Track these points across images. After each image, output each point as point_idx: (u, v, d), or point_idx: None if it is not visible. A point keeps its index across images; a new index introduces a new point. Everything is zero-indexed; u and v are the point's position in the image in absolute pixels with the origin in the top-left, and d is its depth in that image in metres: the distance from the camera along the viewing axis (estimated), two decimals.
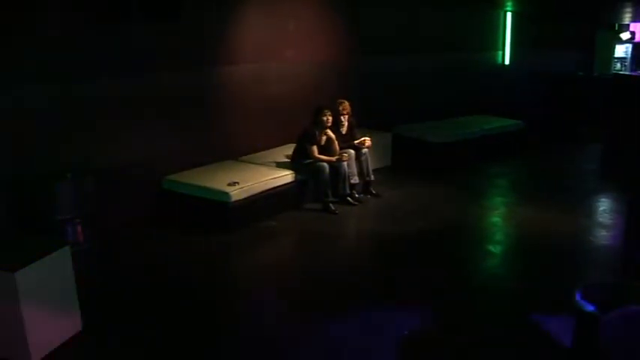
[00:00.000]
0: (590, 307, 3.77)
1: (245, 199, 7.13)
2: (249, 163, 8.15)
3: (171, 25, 7.15)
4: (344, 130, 8.29)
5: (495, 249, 6.84)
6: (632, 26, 13.63)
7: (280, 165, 8.01)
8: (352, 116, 8.30)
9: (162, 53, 7.27)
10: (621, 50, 13.47)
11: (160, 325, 5.06)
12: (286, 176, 7.71)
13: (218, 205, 7.03)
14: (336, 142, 7.98)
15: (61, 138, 6.33)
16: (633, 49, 13.41)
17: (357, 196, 8.13)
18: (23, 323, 4.32)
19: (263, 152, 8.62)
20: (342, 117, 8.19)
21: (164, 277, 6.02)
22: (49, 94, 6.21)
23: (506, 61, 12.69)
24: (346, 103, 8.21)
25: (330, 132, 7.92)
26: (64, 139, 6.36)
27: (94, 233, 5.92)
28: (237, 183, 7.13)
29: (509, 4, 12.29)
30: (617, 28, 13.49)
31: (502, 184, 9.47)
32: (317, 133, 7.80)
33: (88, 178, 5.83)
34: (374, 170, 8.50)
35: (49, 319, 4.57)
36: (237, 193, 7.02)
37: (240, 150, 8.43)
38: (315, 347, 4.76)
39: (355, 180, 8.12)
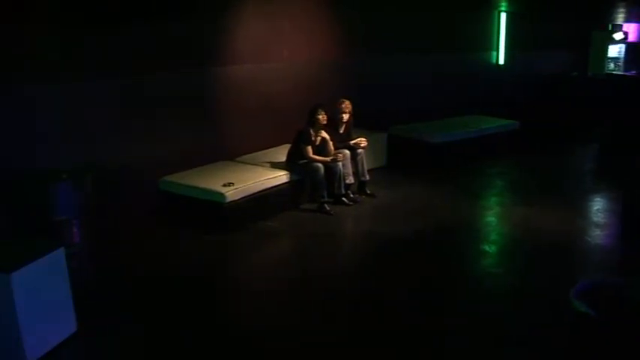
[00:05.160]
0: (584, 307, 3.78)
1: (240, 199, 7.13)
2: (245, 163, 8.14)
3: (170, 25, 7.15)
4: (342, 129, 8.30)
5: (491, 249, 6.85)
6: (625, 26, 13.70)
7: (276, 165, 8.00)
8: (352, 116, 8.30)
9: (160, 53, 7.28)
10: (614, 50, 13.52)
11: (156, 326, 5.06)
12: (281, 177, 7.70)
13: (214, 205, 7.02)
14: (331, 143, 7.98)
15: (57, 138, 6.32)
16: (626, 49, 13.47)
17: (352, 196, 8.13)
18: (18, 324, 4.31)
19: (259, 152, 8.61)
20: (343, 115, 8.17)
21: (160, 277, 6.01)
22: (48, 94, 6.20)
23: (501, 61, 12.70)
24: (347, 102, 8.18)
25: (324, 132, 7.92)
26: (61, 139, 6.36)
27: (91, 234, 5.90)
28: (233, 184, 7.13)
29: (503, 4, 12.31)
30: (610, 29, 13.55)
31: (497, 184, 9.48)
32: (312, 133, 7.80)
33: (85, 179, 5.82)
34: (369, 170, 8.50)
35: (45, 320, 4.55)
36: (232, 194, 7.02)
37: (236, 150, 8.42)
38: (310, 346, 4.77)
39: (350, 180, 8.11)
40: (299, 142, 7.83)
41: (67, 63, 6.34)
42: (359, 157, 8.26)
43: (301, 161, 7.82)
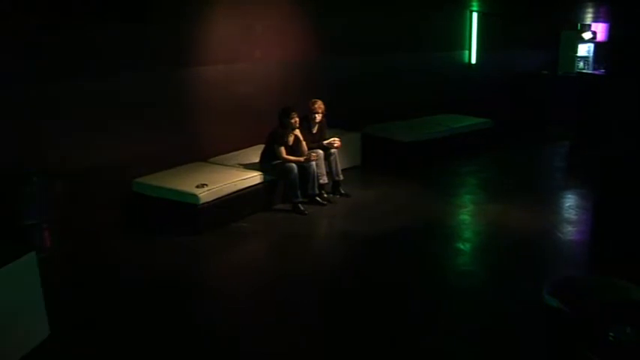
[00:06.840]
0: (556, 302, 3.82)
1: (214, 200, 7.10)
2: (218, 164, 8.10)
3: (138, 25, 7.08)
4: (315, 129, 8.29)
5: (465, 246, 6.89)
6: (594, 26, 13.89)
7: (249, 166, 7.97)
8: (325, 116, 8.29)
9: (130, 54, 7.18)
10: (584, 49, 13.72)
11: (128, 329, 5.00)
12: (255, 177, 7.68)
13: (187, 207, 6.98)
14: (304, 143, 7.97)
15: (27, 140, 6.22)
16: (595, 48, 13.66)
17: (326, 196, 8.14)
18: None
19: (232, 153, 8.57)
20: (316, 115, 8.15)
21: (134, 280, 5.94)
22: (15, 95, 6.10)
23: (473, 61, 12.81)
24: (320, 102, 8.18)
25: (297, 132, 7.91)
26: (30, 141, 6.25)
27: (62, 237, 5.82)
28: (206, 185, 7.09)
29: (475, 4, 12.42)
30: (579, 28, 13.73)
31: (471, 182, 9.55)
32: (285, 133, 7.79)
33: (56, 182, 5.74)
34: (343, 170, 8.51)
35: (16, 327, 4.47)
36: (206, 195, 6.98)
37: (209, 151, 8.37)
38: (284, 348, 4.76)
39: (324, 180, 8.12)
40: (272, 142, 7.81)
41: (32, 63, 6.22)
42: (332, 157, 8.27)
43: (275, 162, 7.80)
